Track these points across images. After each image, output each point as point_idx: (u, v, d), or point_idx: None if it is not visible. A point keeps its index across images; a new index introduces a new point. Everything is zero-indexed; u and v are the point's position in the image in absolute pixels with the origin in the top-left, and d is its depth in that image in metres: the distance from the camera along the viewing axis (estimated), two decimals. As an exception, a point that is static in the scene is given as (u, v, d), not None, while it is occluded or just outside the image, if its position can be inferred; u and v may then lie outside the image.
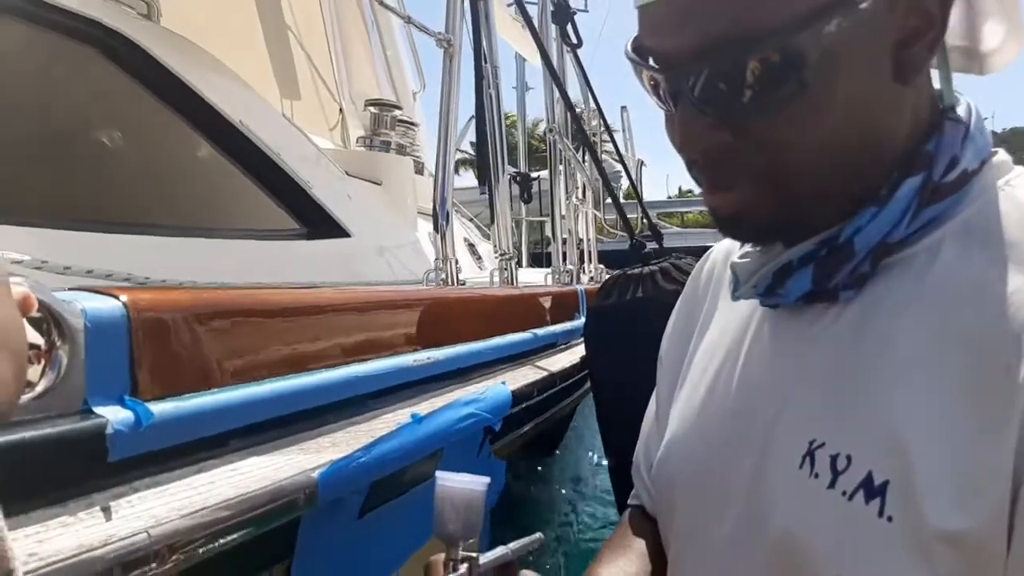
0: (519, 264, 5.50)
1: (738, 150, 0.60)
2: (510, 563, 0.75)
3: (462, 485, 0.71)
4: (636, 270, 2.24)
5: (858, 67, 0.57)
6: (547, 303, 2.38)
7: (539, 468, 2.74)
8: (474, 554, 0.71)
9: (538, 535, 0.84)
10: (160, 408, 0.81)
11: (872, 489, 0.55)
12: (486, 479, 0.73)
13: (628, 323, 2.20)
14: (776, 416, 0.64)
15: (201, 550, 0.79)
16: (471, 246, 5.45)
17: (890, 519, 0.53)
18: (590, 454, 4.02)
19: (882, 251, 0.60)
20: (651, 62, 0.61)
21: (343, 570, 1.23)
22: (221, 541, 0.81)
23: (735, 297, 0.70)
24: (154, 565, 0.73)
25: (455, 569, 0.69)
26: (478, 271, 3.83)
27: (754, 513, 0.64)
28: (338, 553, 1.19)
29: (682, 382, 0.82)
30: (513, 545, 0.76)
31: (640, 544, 0.88)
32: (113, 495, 0.75)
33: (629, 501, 0.98)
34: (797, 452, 0.60)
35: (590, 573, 0.85)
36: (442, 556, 0.71)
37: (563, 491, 3.41)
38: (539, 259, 6.92)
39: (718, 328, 0.79)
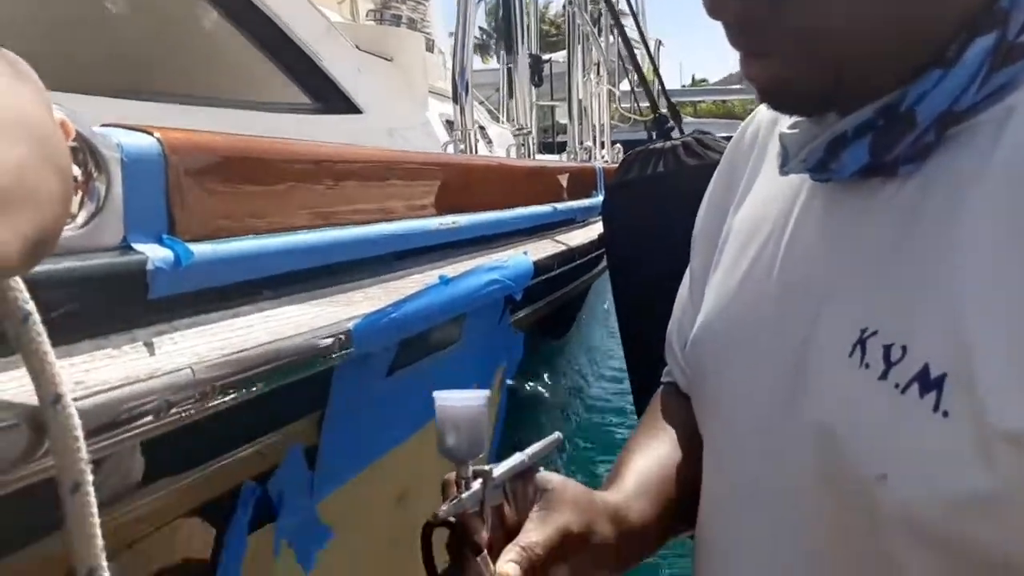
0: (547, 148, 5.42)
1: (776, 12, 0.55)
2: (527, 469, 0.71)
3: (461, 403, 0.67)
4: (658, 144, 2.20)
5: None
6: (565, 179, 2.35)
7: (552, 346, 2.76)
8: (487, 467, 0.67)
9: (556, 435, 0.80)
10: (198, 249, 0.80)
11: (928, 382, 0.50)
12: (485, 392, 0.69)
13: (648, 198, 2.16)
14: (825, 299, 0.59)
15: (241, 392, 0.79)
16: (481, 128, 5.35)
17: (946, 414, 0.49)
18: (601, 337, 4.07)
19: (948, 120, 0.55)
20: None
21: (371, 426, 1.25)
22: (259, 384, 0.81)
23: (784, 171, 0.64)
24: (198, 402, 0.73)
25: (468, 487, 0.65)
26: (489, 154, 3.79)
27: (795, 400, 0.60)
28: (367, 409, 1.21)
29: (719, 257, 0.77)
30: (530, 450, 0.73)
31: (671, 427, 0.85)
32: (155, 332, 0.74)
33: (662, 378, 0.95)
34: (847, 339, 0.56)
35: (623, 458, 0.82)
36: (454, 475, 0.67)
37: (575, 373, 3.46)
38: (550, 148, 6.81)
39: (761, 200, 0.72)
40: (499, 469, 0.68)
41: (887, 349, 0.53)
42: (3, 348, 0.60)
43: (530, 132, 2.52)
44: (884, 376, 0.52)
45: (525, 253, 1.65)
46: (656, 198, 2.22)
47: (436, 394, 0.67)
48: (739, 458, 0.67)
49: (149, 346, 0.72)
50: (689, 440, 0.80)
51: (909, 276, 0.54)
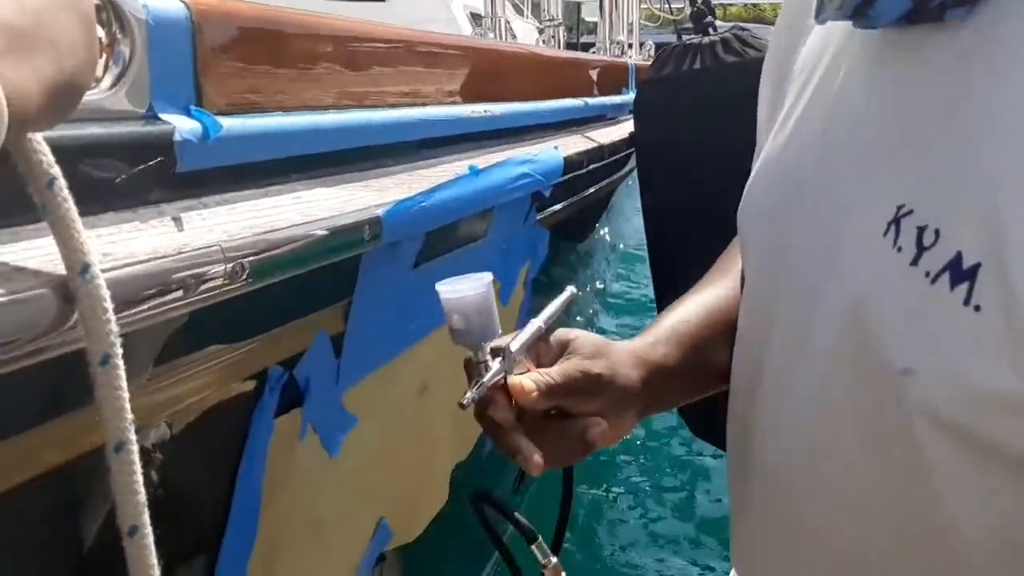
0: (572, 47, 5.25)
1: None
2: (545, 332, 0.72)
3: (464, 292, 0.67)
4: (695, 39, 2.11)
5: None
6: (596, 74, 2.27)
7: (575, 247, 2.73)
8: (503, 344, 0.67)
9: (569, 289, 0.81)
10: (227, 123, 0.76)
11: (960, 272, 0.46)
12: (487, 275, 0.69)
13: (683, 95, 2.09)
14: (867, 168, 0.54)
15: (270, 273, 0.77)
16: (473, 16, 5.19)
17: (977, 308, 0.44)
18: (621, 241, 4.03)
19: None
20: None
21: (396, 318, 1.23)
22: (288, 267, 0.79)
23: (819, 20, 0.57)
24: (227, 281, 0.70)
25: (488, 368, 0.66)
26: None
27: (828, 271, 0.55)
28: (393, 301, 1.19)
29: (776, 111, 0.69)
30: (544, 314, 0.73)
31: (729, 272, 0.84)
32: (183, 207, 0.72)
33: None
34: (883, 217, 0.50)
35: (668, 308, 0.82)
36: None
37: (599, 274, 3.44)
38: (574, 49, 6.61)
39: (814, 46, 0.64)
40: (516, 342, 0.68)
41: (920, 231, 0.48)
42: (27, 216, 0.58)
43: (560, 23, 2.43)
44: (915, 262, 0.48)
45: (556, 148, 1.60)
46: (691, 95, 2.15)
47: (438, 286, 0.68)
48: (769, 336, 0.63)
49: (177, 221, 0.69)
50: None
51: (951, 146, 0.47)
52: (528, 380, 0.67)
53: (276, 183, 0.85)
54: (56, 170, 0.49)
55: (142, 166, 0.68)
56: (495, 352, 0.67)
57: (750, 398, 0.67)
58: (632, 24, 4.88)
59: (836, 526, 0.58)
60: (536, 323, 0.72)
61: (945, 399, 0.47)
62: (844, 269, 0.53)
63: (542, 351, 0.72)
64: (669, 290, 2.51)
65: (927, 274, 0.46)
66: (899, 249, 0.49)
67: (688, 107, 2.17)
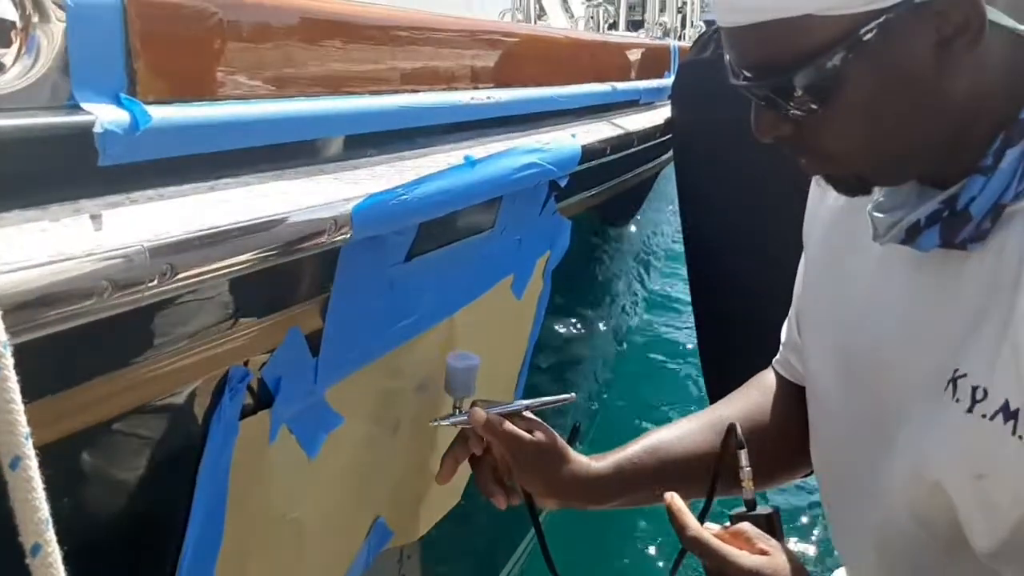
0: (614, 27, 5.13)
1: (799, 139, 0.74)
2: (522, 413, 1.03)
3: (456, 365, 1.10)
4: (737, 22, 2.01)
5: (884, 78, 0.68)
6: (633, 56, 2.17)
7: (609, 235, 2.64)
8: (485, 407, 1.02)
9: (571, 395, 1.14)
10: (165, 112, 0.71)
11: (1008, 413, 0.69)
12: (476, 361, 1.12)
13: (723, 78, 1.98)
14: (917, 345, 0.77)
15: (212, 272, 0.72)
16: (564, 1, 5.08)
17: (1021, 438, 0.68)
18: (664, 227, 3.92)
19: (999, 209, 0.70)
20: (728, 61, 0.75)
21: (387, 311, 1.18)
22: (233, 264, 0.74)
23: (878, 241, 0.79)
24: (153, 283, 0.65)
25: (458, 413, 1.07)
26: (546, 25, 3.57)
27: (889, 435, 0.79)
28: (381, 294, 1.13)
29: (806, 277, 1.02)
30: (535, 401, 1.03)
31: (730, 405, 1.10)
32: (106, 203, 0.67)
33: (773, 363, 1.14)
34: (943, 378, 0.73)
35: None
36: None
37: (632, 265, 3.34)
38: (639, 26, 6.45)
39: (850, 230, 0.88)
40: (494, 409, 1.02)
41: (974, 390, 0.71)
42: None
43: (601, 3, 2.33)
44: (970, 410, 0.71)
45: (573, 136, 1.52)
46: (729, 81, 2.05)
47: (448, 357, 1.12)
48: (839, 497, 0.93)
49: (96, 219, 0.65)
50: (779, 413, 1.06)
51: (988, 331, 0.71)
52: (478, 410, 1.01)
53: (228, 176, 0.80)
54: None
55: (57, 161, 0.63)
56: (477, 404, 1.03)
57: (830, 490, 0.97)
58: (681, 3, 4.72)
59: None
60: (521, 404, 1.01)
61: (1000, 506, 0.71)
62: (913, 416, 0.77)
63: (518, 424, 1.01)
64: (704, 280, 2.41)
65: (983, 416, 0.71)
66: (957, 400, 0.73)
67: (728, 91, 2.07)
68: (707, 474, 0.98)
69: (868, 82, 0.68)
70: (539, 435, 0.98)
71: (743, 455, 0.87)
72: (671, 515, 0.84)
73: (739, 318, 2.14)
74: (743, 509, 0.86)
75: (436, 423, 1.03)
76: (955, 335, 0.73)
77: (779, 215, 2.12)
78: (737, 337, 1.96)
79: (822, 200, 0.97)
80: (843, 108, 0.70)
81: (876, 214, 0.78)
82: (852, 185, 0.77)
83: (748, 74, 0.71)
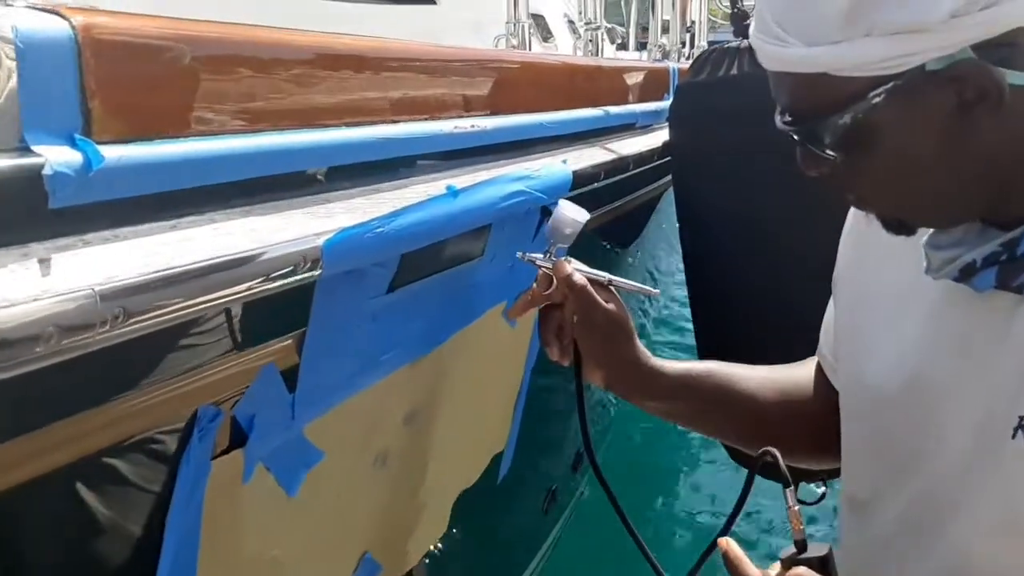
0: (624, 47, 5.10)
1: (838, 179, 0.76)
2: (604, 286, 1.02)
3: (571, 213, 1.07)
4: (734, 43, 1.99)
5: (902, 136, 0.70)
6: (631, 79, 2.16)
7: (611, 259, 2.62)
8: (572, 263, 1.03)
9: (656, 290, 1.32)
10: (121, 151, 0.70)
11: None
12: (584, 216, 1.07)
13: (720, 101, 1.98)
14: (977, 388, 0.77)
15: (170, 314, 0.70)
16: (571, 23, 5.09)
17: None
18: (667, 250, 3.89)
19: None
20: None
21: (369, 344, 1.16)
22: (193, 304, 0.72)
23: (932, 275, 0.79)
24: (104, 328, 0.64)
25: (549, 259, 1.04)
26: (545, 49, 3.56)
27: (968, 465, 0.78)
28: (361, 327, 1.12)
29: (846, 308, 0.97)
30: (616, 277, 1.03)
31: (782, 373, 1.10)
32: (56, 247, 0.66)
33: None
34: (1009, 424, 0.74)
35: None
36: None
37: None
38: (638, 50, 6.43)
39: (905, 278, 0.85)
40: (580, 265, 1.03)
41: None
42: None
43: (598, 27, 2.32)
44: None
45: (564, 161, 1.51)
46: (728, 101, 2.04)
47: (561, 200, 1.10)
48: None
49: (44, 263, 0.63)
50: (775, 394, 1.08)
51: None
52: (569, 267, 1.02)
53: (191, 214, 0.79)
54: None
55: (2, 204, 0.62)
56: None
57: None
58: (701, 20, 4.72)
59: None
60: (606, 276, 1.01)
61: None
62: (987, 465, 0.76)
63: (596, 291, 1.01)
64: (705, 303, 2.38)
65: None
66: None
67: (725, 114, 2.06)
68: (752, 425, 1.04)
69: (886, 139, 0.71)
70: (613, 306, 1.01)
71: (790, 495, 0.84)
72: (728, 563, 0.82)
73: (741, 340, 2.11)
74: (793, 550, 0.83)
75: (523, 255, 1.06)
76: (1011, 379, 0.74)
77: (779, 238, 2.10)
78: (739, 360, 1.94)
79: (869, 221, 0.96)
80: (869, 159, 0.72)
81: (932, 250, 0.79)
82: (895, 225, 0.78)
83: (784, 114, 0.75)
